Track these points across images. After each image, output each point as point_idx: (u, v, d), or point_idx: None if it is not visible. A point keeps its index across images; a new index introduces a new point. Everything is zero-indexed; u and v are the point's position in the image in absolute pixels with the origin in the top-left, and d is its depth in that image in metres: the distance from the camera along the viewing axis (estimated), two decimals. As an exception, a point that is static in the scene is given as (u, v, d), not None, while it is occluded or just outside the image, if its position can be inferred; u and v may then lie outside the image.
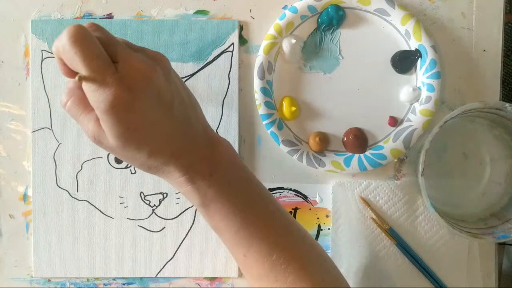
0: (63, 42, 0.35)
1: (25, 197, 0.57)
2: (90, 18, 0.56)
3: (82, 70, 0.35)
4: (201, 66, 0.56)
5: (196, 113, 0.42)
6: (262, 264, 0.41)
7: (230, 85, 0.56)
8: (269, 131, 0.55)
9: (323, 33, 0.57)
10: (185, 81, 0.56)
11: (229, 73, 0.56)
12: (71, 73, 0.38)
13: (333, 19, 0.56)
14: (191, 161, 0.40)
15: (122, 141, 0.37)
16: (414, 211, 0.57)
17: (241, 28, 0.57)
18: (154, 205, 0.57)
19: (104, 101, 0.35)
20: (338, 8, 0.55)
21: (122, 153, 0.38)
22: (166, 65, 0.39)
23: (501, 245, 0.70)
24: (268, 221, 0.42)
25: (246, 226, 0.41)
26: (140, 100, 0.36)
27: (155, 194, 0.57)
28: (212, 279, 0.58)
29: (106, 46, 0.36)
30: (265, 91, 0.55)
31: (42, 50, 0.56)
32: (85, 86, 0.36)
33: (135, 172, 0.56)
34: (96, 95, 0.35)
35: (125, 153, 0.38)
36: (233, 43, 0.56)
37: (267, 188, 0.57)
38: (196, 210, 0.57)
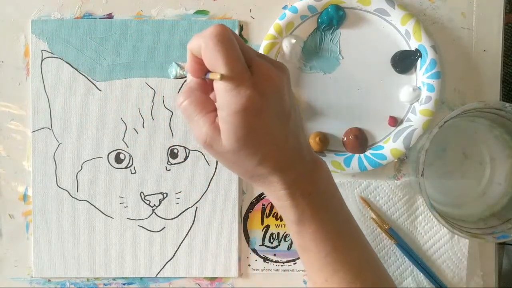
0: (207, 40, 0.36)
1: (25, 197, 0.57)
2: (90, 18, 0.56)
3: (222, 70, 0.36)
4: (201, 66, 0.56)
5: (303, 130, 0.42)
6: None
7: (230, 85, 0.56)
8: (269, 131, 0.55)
9: (323, 33, 0.57)
10: (185, 81, 0.56)
11: (229, 73, 0.56)
12: (200, 72, 0.38)
13: (333, 19, 0.56)
14: (295, 176, 0.40)
15: (240, 144, 0.37)
16: (414, 211, 0.57)
17: (241, 28, 0.57)
18: (154, 205, 0.57)
19: (238, 102, 0.36)
20: (338, 8, 0.55)
21: (232, 157, 0.38)
22: (289, 78, 0.40)
23: (501, 245, 0.70)
24: (355, 250, 0.43)
25: (335, 252, 0.41)
26: (268, 107, 0.37)
27: (155, 194, 0.57)
28: (212, 279, 0.58)
29: (241, 50, 0.37)
30: (265, 91, 0.55)
31: (42, 50, 0.56)
32: (220, 85, 0.36)
33: (135, 172, 0.56)
34: (229, 96, 0.36)
35: (236, 157, 0.38)
36: (233, 43, 0.56)
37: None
38: (196, 209, 0.57)
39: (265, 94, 0.37)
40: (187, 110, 0.39)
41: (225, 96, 0.36)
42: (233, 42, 0.36)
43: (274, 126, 0.38)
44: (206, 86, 0.40)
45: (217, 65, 0.36)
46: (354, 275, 0.41)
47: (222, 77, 0.36)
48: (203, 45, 0.36)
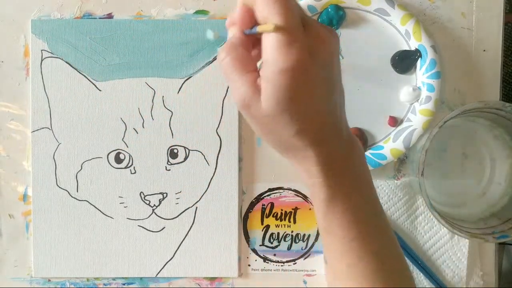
0: None
1: (25, 197, 0.57)
2: (90, 18, 0.56)
3: (278, 20, 0.33)
4: (201, 66, 0.56)
5: (344, 105, 0.39)
6: (366, 279, 0.40)
7: (230, 85, 0.56)
8: (269, 131, 0.55)
9: (323, 33, 0.56)
10: (185, 81, 0.56)
11: (229, 73, 0.56)
12: (249, 23, 0.36)
13: (333, 19, 0.56)
14: (331, 153, 0.37)
15: (280, 108, 0.34)
16: (414, 211, 0.57)
17: (241, 28, 0.57)
18: (154, 205, 0.57)
19: (287, 60, 0.33)
20: (338, 8, 0.55)
21: (270, 123, 0.36)
22: (339, 44, 0.38)
23: (501, 245, 0.70)
24: (381, 238, 0.41)
25: (362, 238, 0.39)
26: (318, 72, 0.34)
27: (155, 194, 0.57)
28: (212, 279, 0.57)
29: (299, 9, 0.35)
30: (265, 91, 0.55)
31: (42, 50, 0.56)
32: (271, 40, 0.33)
33: (135, 172, 0.56)
34: (279, 52, 0.33)
35: (274, 124, 0.35)
36: (233, 43, 0.56)
37: (267, 188, 0.57)
38: (196, 209, 0.57)
39: (317, 57, 0.34)
40: (228, 67, 0.36)
41: (273, 52, 0.33)
42: None
43: (319, 95, 0.35)
44: (248, 44, 0.37)
45: (272, 14, 0.33)
46: (378, 264, 0.40)
47: (276, 29, 0.33)
48: None
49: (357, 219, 0.39)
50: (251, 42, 0.37)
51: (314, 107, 0.35)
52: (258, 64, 0.36)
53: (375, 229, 0.41)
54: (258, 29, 0.35)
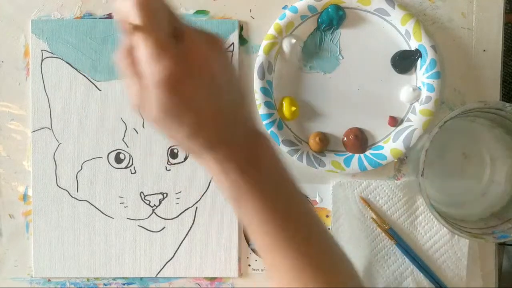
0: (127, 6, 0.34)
1: (25, 197, 0.57)
2: (90, 18, 0.56)
3: (137, 20, 0.34)
4: (201, 66, 0.56)
5: (244, 105, 0.40)
6: (290, 270, 0.40)
7: (230, 85, 0.56)
8: (269, 131, 0.55)
9: (323, 33, 0.57)
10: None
11: (229, 73, 0.56)
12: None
13: (333, 19, 0.56)
14: (229, 152, 0.38)
15: (167, 116, 0.35)
16: (414, 211, 0.57)
17: (241, 28, 0.57)
18: (154, 205, 0.57)
19: (159, 73, 0.34)
20: (338, 8, 0.55)
21: (163, 128, 0.37)
22: (223, 48, 0.38)
23: (501, 245, 0.70)
24: (301, 231, 0.41)
25: (277, 231, 0.40)
26: (193, 79, 0.35)
27: (155, 194, 0.57)
28: (212, 279, 0.57)
29: (173, 20, 0.36)
30: (265, 91, 0.55)
31: (42, 50, 0.56)
32: (143, 52, 0.34)
33: (135, 172, 0.56)
34: (150, 66, 0.34)
35: (167, 129, 0.37)
36: (233, 43, 0.56)
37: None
38: (196, 209, 0.57)
39: (192, 65, 0.35)
40: (125, 71, 0.37)
41: (145, 65, 0.35)
42: (154, 12, 0.34)
43: (202, 101, 0.36)
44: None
45: (131, 15, 0.34)
46: (302, 253, 0.40)
47: (136, 28, 0.34)
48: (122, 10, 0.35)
49: (269, 212, 0.40)
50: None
51: (201, 109, 0.36)
52: None
53: (295, 222, 0.41)
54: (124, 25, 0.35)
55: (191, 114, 0.36)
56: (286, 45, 0.55)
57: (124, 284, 0.57)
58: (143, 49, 0.35)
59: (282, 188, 0.41)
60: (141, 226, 0.57)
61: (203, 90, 0.36)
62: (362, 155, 0.56)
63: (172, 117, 0.36)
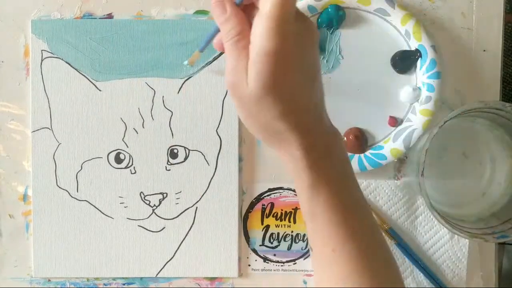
0: None
1: (25, 197, 0.57)
2: (90, 18, 0.56)
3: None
4: (201, 66, 0.56)
5: (324, 99, 0.40)
6: (350, 264, 0.40)
7: (230, 85, 0.56)
8: (269, 131, 0.55)
9: (323, 33, 0.56)
10: (185, 81, 0.56)
11: (229, 73, 0.56)
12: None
13: (333, 19, 0.56)
14: (314, 138, 0.38)
15: (264, 90, 0.35)
16: (414, 211, 0.57)
17: (241, 28, 0.57)
18: (154, 205, 0.57)
19: (272, 44, 0.34)
20: (338, 8, 0.55)
21: (254, 104, 0.36)
22: (319, 37, 0.40)
23: (501, 245, 0.70)
24: (365, 222, 0.41)
25: (347, 222, 0.40)
26: (303, 59, 0.36)
27: (155, 194, 0.57)
28: (212, 279, 0.58)
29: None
30: (265, 91, 0.55)
31: (42, 50, 0.56)
32: (262, 23, 0.34)
33: (135, 172, 0.56)
34: (266, 36, 0.34)
35: (259, 105, 0.36)
36: (233, 43, 0.56)
37: (267, 188, 0.57)
38: (196, 209, 0.57)
39: (303, 45, 0.36)
40: (233, 45, 0.37)
41: (261, 35, 0.34)
42: None
43: (303, 80, 0.36)
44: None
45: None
46: (363, 249, 0.40)
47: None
48: None
49: (341, 204, 0.40)
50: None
51: (297, 91, 0.36)
52: None
53: (358, 215, 0.41)
54: None
55: (293, 91, 0.36)
56: (286, 45, 0.55)
57: (124, 284, 0.57)
58: (262, 21, 0.34)
59: (353, 182, 0.41)
60: (141, 226, 0.57)
61: (307, 71, 0.37)
62: (362, 155, 0.56)
63: (273, 92, 0.35)
